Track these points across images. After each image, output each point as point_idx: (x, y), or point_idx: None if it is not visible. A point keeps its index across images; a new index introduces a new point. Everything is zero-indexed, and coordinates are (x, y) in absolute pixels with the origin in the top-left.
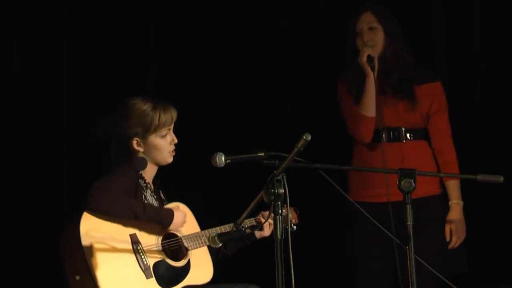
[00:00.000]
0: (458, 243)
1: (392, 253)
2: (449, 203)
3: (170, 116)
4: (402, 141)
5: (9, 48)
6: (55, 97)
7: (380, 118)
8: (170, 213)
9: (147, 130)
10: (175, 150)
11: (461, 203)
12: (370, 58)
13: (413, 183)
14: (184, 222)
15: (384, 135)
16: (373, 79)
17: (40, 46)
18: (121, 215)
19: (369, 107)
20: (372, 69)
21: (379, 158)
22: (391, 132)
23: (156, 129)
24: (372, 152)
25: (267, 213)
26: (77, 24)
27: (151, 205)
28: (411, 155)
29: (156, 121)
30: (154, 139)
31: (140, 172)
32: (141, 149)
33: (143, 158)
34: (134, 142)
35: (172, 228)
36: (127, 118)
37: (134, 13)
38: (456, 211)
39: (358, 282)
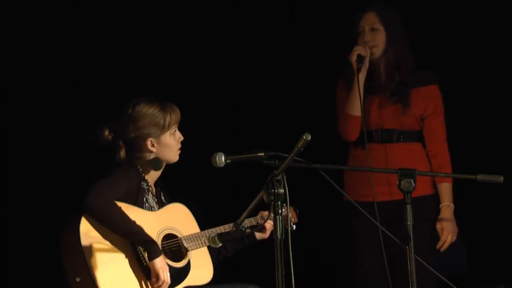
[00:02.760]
0: (446, 245)
1: (387, 252)
2: (440, 205)
3: (178, 114)
4: (395, 143)
5: (9, 48)
6: (55, 97)
7: (373, 119)
8: (158, 252)
9: (161, 129)
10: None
11: (452, 206)
12: (360, 58)
13: (413, 183)
14: (163, 271)
15: (376, 137)
16: (360, 79)
17: (40, 46)
18: (114, 226)
19: (354, 106)
20: (359, 70)
21: (372, 159)
22: (384, 134)
23: (168, 127)
24: (365, 153)
25: (266, 213)
26: (77, 24)
27: (145, 233)
28: (403, 157)
29: (168, 119)
30: (167, 137)
31: (143, 175)
32: (154, 149)
33: (157, 159)
34: (149, 142)
35: (153, 265)
36: (139, 121)
37: (134, 13)
38: (446, 213)
39: (354, 281)
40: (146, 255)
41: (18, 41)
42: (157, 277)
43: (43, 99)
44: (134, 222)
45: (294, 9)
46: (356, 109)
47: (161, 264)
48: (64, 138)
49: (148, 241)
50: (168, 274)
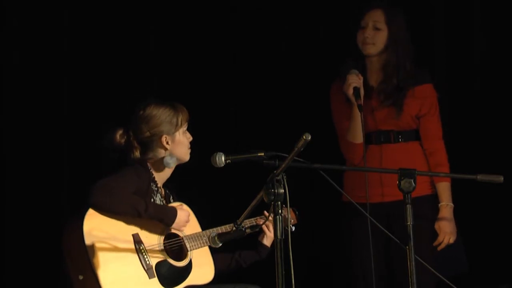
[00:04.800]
0: (443, 245)
1: (386, 252)
2: (439, 205)
3: (187, 112)
4: (393, 143)
5: (9, 51)
6: (55, 98)
7: (370, 121)
8: (173, 212)
9: (175, 125)
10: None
11: (451, 205)
12: (356, 90)
13: (413, 183)
14: (187, 221)
15: (374, 138)
16: (358, 110)
17: (40, 46)
18: (123, 212)
19: (356, 135)
20: (360, 107)
21: (371, 160)
22: (382, 135)
23: (181, 124)
24: (366, 155)
25: (261, 221)
26: (77, 25)
27: (154, 203)
28: (402, 157)
29: (180, 117)
30: (180, 135)
31: (153, 176)
32: (168, 147)
33: (172, 155)
34: (164, 139)
35: (175, 226)
36: (152, 120)
37: (134, 15)
38: (444, 213)
39: (354, 281)
40: (148, 253)
41: (19, 43)
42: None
43: (43, 100)
44: (138, 200)
45: (293, 10)
46: (358, 138)
47: (179, 225)
48: (64, 138)
49: (157, 214)
50: (189, 215)
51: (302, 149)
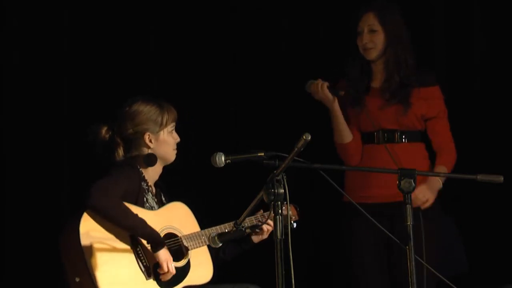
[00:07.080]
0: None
1: (387, 252)
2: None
3: (174, 112)
4: (396, 143)
5: (9, 51)
6: (55, 98)
7: (375, 120)
8: (162, 244)
9: (159, 124)
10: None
11: (440, 183)
12: (329, 86)
13: (413, 183)
14: (167, 261)
15: (377, 138)
16: (337, 107)
17: (40, 46)
18: (117, 221)
19: (343, 134)
20: (341, 93)
21: (373, 159)
22: (386, 134)
23: (166, 123)
24: (368, 154)
25: (263, 212)
26: (77, 25)
27: (148, 226)
28: (404, 157)
29: (166, 116)
30: (165, 135)
31: (143, 175)
32: (152, 145)
33: (152, 154)
34: (146, 137)
35: (157, 256)
36: (136, 117)
37: (134, 14)
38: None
39: (354, 281)
40: (146, 254)
41: (19, 43)
42: (162, 268)
43: (43, 100)
44: (136, 216)
45: (293, 10)
46: (344, 137)
47: (165, 256)
48: (64, 138)
49: (151, 234)
50: (172, 265)
51: (302, 149)
